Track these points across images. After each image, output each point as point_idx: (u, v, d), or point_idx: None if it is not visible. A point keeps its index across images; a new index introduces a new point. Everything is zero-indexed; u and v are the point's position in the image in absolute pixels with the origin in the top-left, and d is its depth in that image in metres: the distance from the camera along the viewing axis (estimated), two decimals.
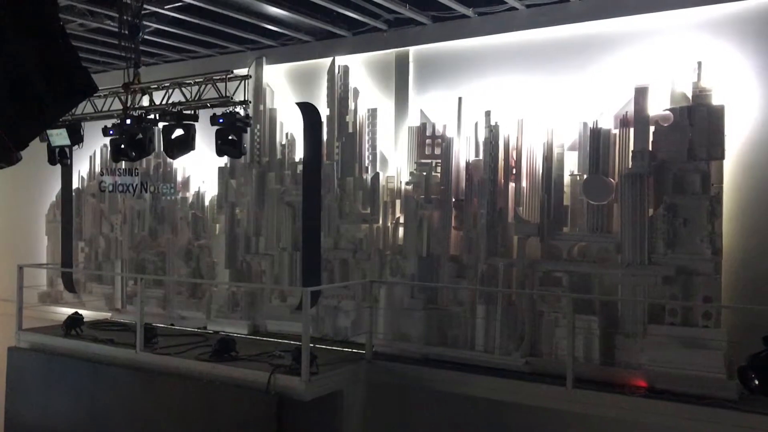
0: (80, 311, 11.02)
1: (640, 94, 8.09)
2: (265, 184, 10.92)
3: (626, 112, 8.23)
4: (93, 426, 9.61)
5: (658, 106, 8.05)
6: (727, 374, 7.20)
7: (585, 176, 8.39)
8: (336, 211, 10.13)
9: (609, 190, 8.23)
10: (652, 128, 8.04)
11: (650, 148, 8.01)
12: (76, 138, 10.64)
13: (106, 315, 12.09)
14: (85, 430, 9.67)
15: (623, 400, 7.33)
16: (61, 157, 11.10)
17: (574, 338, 7.77)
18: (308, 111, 10.19)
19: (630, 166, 8.11)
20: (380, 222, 9.86)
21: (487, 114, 8.99)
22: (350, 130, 10.19)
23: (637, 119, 8.11)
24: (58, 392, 9.99)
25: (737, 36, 7.75)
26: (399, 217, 9.76)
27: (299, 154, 10.61)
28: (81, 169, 13.01)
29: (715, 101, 7.70)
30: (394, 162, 9.95)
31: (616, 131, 8.31)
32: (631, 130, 8.18)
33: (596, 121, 8.37)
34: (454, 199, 9.27)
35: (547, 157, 8.62)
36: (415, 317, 9.19)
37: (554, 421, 8.10)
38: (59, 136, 10.55)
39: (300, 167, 10.49)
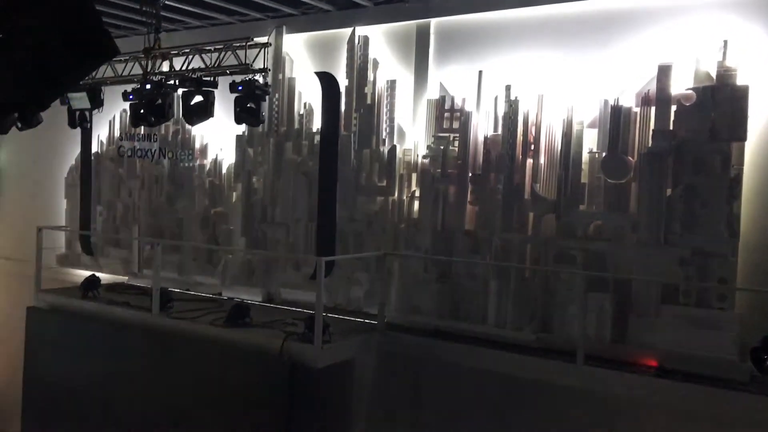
0: (97, 274, 11.18)
1: (663, 72, 7.98)
2: (283, 154, 10.94)
3: (648, 90, 8.14)
4: (108, 386, 9.80)
5: (680, 85, 7.94)
6: (740, 356, 7.19)
7: (604, 154, 8.33)
8: (352, 183, 10.14)
9: (627, 169, 8.17)
10: (673, 107, 7.95)
11: (671, 128, 7.93)
12: (96, 102, 10.72)
13: (122, 278, 12.24)
14: (101, 390, 9.86)
15: (633, 378, 7.35)
16: (81, 121, 11.19)
17: (586, 316, 7.78)
18: (327, 81, 10.16)
19: (650, 145, 8.04)
20: (396, 195, 9.86)
21: (507, 89, 8.92)
22: (368, 102, 10.15)
23: (659, 98, 8.01)
24: (75, 352, 10.18)
25: (764, 15, 7.60)
26: (415, 191, 9.76)
27: (317, 124, 10.60)
28: (100, 133, 13.07)
29: (740, 81, 7.59)
30: (412, 135, 9.92)
31: (637, 109, 8.22)
32: (653, 108, 8.09)
33: (617, 98, 8.28)
34: (470, 174, 9.24)
35: (566, 134, 8.56)
36: (428, 290, 9.23)
37: (563, 398, 8.14)
38: (80, 100, 10.63)
39: (317, 138, 10.49)
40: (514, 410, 8.56)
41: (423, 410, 9.26)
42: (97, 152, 13.14)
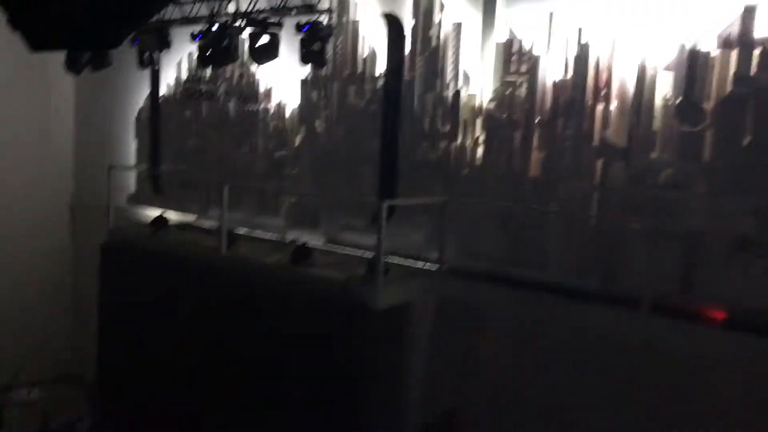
0: (166, 213, 11.48)
1: (747, 14, 7.55)
2: (346, 98, 10.90)
3: (729, 33, 7.72)
4: (175, 321, 10.17)
5: (765, 28, 7.52)
6: None
7: (679, 100, 8.01)
8: (415, 128, 10.05)
9: (703, 116, 7.85)
10: (756, 51, 7.54)
11: (752, 73, 7.54)
12: (164, 43, 10.84)
13: (190, 218, 12.54)
14: (168, 325, 10.26)
15: (700, 330, 7.21)
16: (150, 62, 11.35)
17: (653, 264, 7.61)
18: (392, 23, 10.00)
19: (729, 91, 7.68)
20: (460, 140, 9.74)
21: (579, 31, 8.61)
22: (433, 45, 9.96)
23: (741, 41, 7.60)
24: (146, 289, 10.57)
25: None
26: (479, 136, 9.61)
27: (381, 67, 10.47)
28: (168, 74, 13.26)
29: None
30: (478, 79, 9.71)
31: (717, 53, 7.83)
32: (733, 52, 7.69)
33: (695, 42, 7.90)
34: (538, 119, 9.03)
35: (640, 79, 8.24)
36: (490, 236, 9.17)
37: (626, 348, 8.02)
38: (148, 40, 10.76)
39: (381, 81, 10.38)
40: (574, 359, 8.50)
41: (481, 356, 9.30)
42: (165, 93, 13.35)
